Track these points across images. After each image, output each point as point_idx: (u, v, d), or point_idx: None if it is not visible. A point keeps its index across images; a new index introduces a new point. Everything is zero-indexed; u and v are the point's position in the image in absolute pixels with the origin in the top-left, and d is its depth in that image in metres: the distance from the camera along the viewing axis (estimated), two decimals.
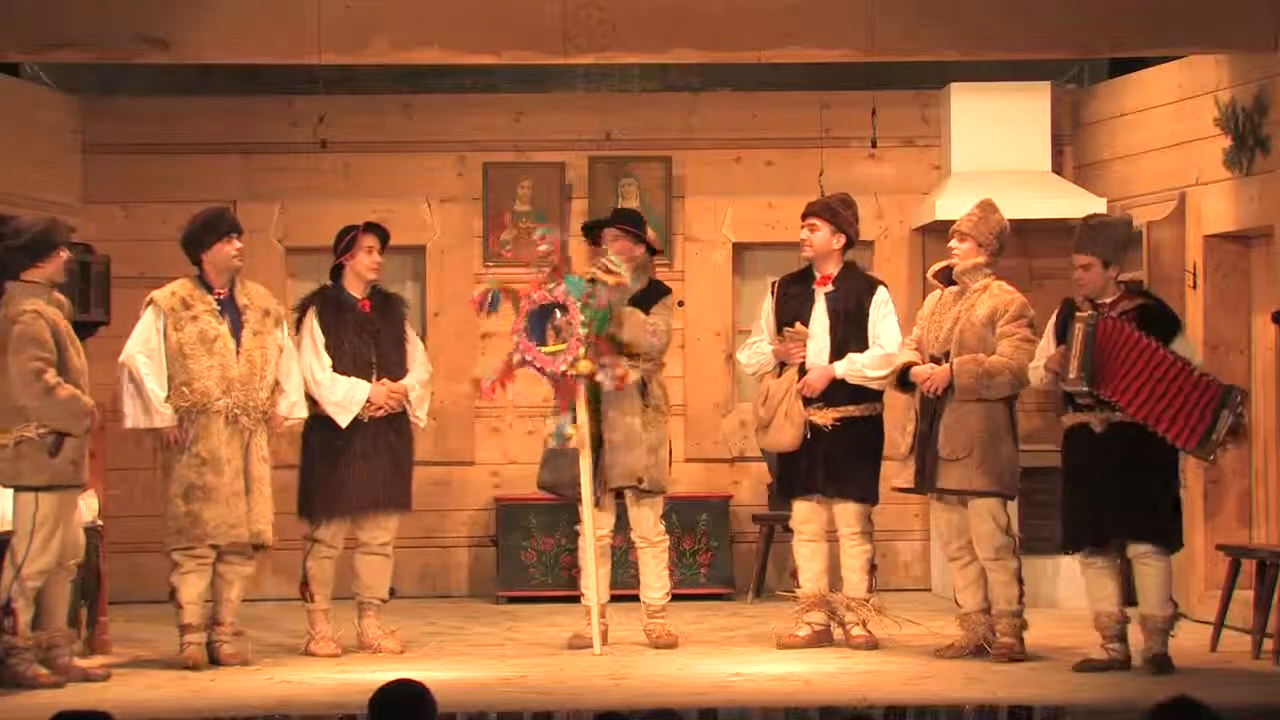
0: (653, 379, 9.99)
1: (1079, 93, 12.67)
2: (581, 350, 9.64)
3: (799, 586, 10.07)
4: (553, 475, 10.04)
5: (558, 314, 9.73)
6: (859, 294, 9.94)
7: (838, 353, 9.86)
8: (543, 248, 9.88)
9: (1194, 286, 10.87)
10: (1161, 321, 9.12)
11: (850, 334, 9.88)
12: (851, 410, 9.85)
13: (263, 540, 9.57)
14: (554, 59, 10.51)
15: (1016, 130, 12.22)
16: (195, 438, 9.42)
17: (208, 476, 9.39)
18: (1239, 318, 10.87)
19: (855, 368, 9.83)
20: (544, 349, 9.72)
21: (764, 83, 12.58)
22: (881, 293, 9.97)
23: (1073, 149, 12.60)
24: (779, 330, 9.99)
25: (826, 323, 9.91)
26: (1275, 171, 10.26)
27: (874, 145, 12.43)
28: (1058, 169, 12.40)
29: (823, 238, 9.96)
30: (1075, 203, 12.01)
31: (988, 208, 9.67)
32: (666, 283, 10.31)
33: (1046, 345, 9.29)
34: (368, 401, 9.80)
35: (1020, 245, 12.50)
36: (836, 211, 10.01)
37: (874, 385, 9.87)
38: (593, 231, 10.19)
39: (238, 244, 9.60)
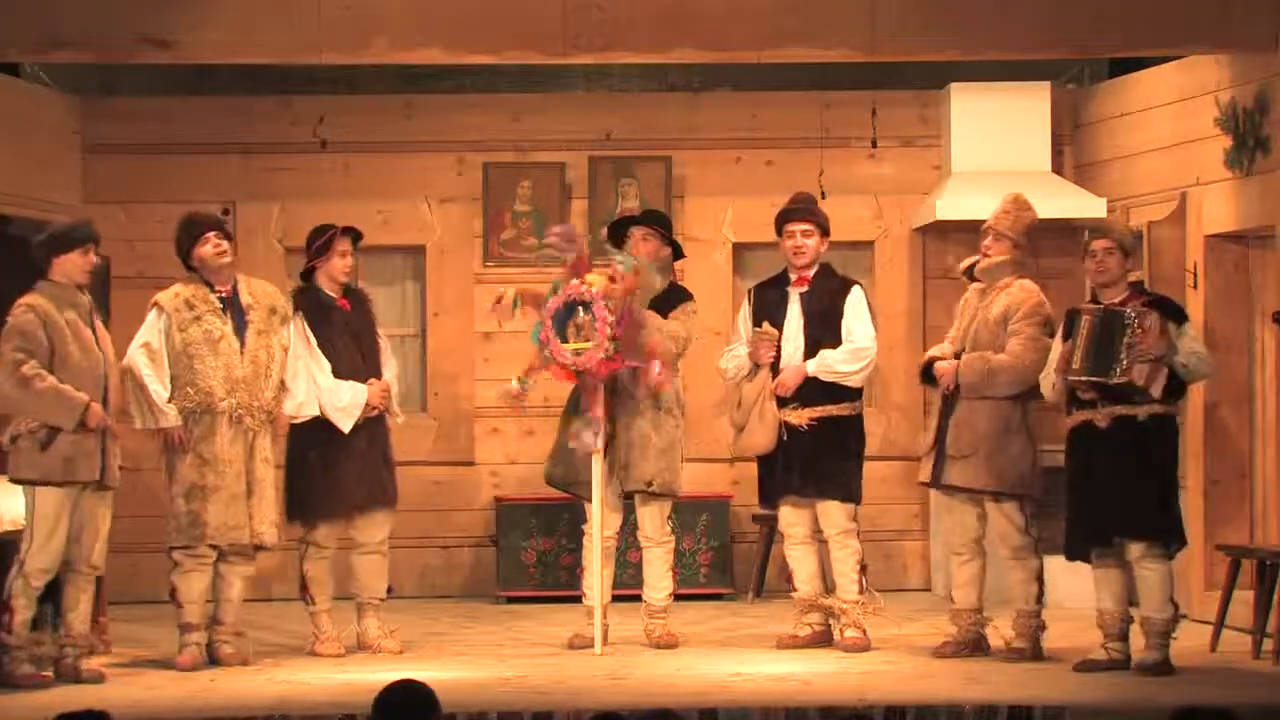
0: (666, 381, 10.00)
1: (1079, 93, 12.67)
2: (610, 346, 9.62)
3: (795, 590, 10.07)
4: (565, 472, 10.03)
5: (580, 311, 9.70)
6: (833, 294, 9.94)
7: (811, 352, 9.85)
8: (550, 240, 9.86)
9: (1194, 286, 10.87)
10: (1165, 311, 9.13)
11: (824, 334, 9.86)
12: (829, 409, 9.82)
13: (264, 541, 9.56)
14: (554, 59, 10.50)
15: (1016, 130, 12.22)
16: (199, 438, 9.43)
17: (209, 477, 9.40)
18: (1239, 318, 10.87)
19: (826, 364, 9.81)
20: (568, 346, 9.70)
21: (764, 83, 12.58)
22: (856, 291, 9.97)
23: (1073, 149, 12.59)
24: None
25: (801, 323, 9.91)
26: (1276, 171, 10.26)
27: (874, 145, 12.46)
28: (1058, 169, 12.40)
29: (815, 244, 9.97)
30: (1075, 203, 12.02)
31: (1021, 204, 9.68)
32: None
33: (1054, 356, 9.29)
34: (366, 404, 9.81)
35: None
36: (821, 215, 10.03)
37: (847, 381, 9.84)
38: (618, 231, 10.16)
39: (215, 241, 9.57)
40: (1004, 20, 10.19)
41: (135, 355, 9.45)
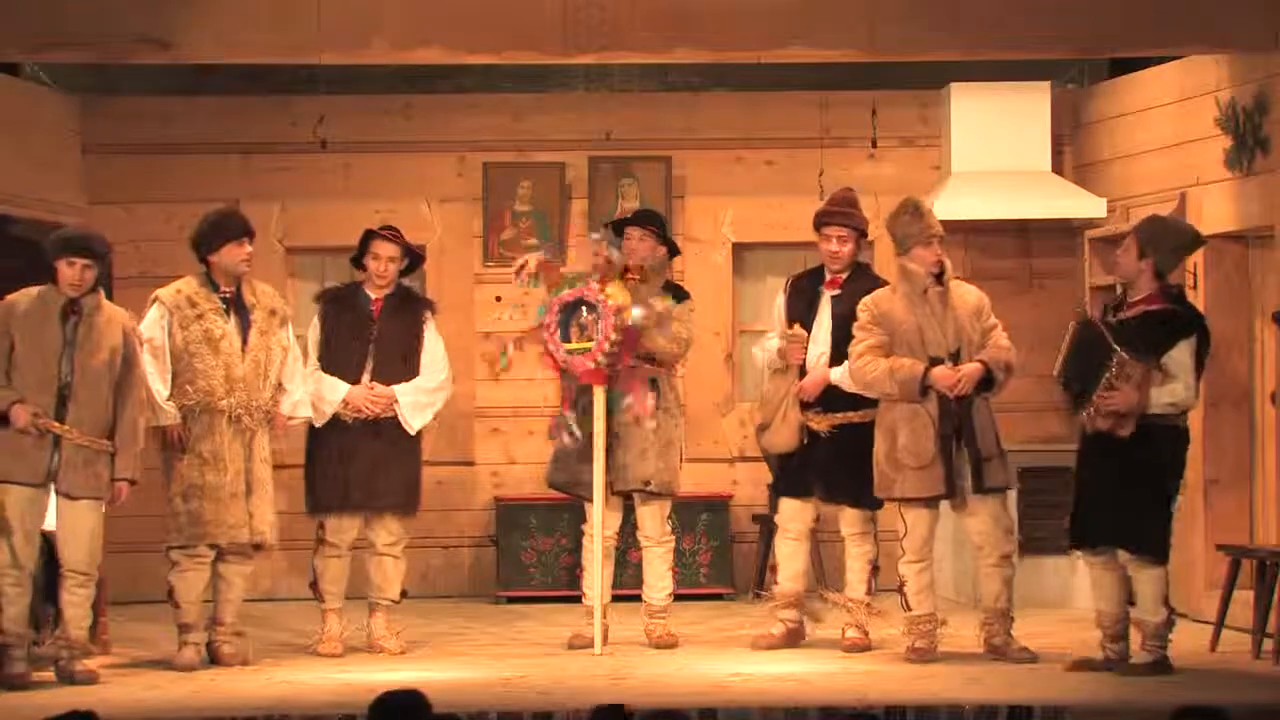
0: (665, 381, 10.00)
1: (1079, 93, 12.67)
2: (608, 346, 9.61)
3: (776, 583, 10.06)
4: (566, 475, 10.04)
5: (584, 311, 9.70)
6: (863, 298, 9.89)
7: (836, 357, 9.79)
8: (533, 260, 9.84)
9: (1194, 286, 10.86)
10: (1161, 328, 9.01)
11: (850, 340, 9.79)
12: (851, 417, 9.75)
13: (263, 541, 9.55)
14: (554, 59, 10.51)
15: (1016, 130, 12.21)
16: (198, 437, 9.42)
17: (209, 476, 9.39)
18: (1239, 318, 10.87)
19: (849, 377, 9.78)
20: (568, 346, 9.70)
21: (764, 83, 12.58)
22: None
23: (1073, 149, 12.59)
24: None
25: (829, 326, 9.85)
26: (1275, 171, 10.26)
27: (874, 145, 12.45)
28: (1058, 169, 12.39)
29: (850, 249, 9.87)
30: (1075, 203, 12.02)
31: (922, 204, 9.64)
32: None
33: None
34: (344, 403, 9.78)
35: (1020, 245, 12.53)
36: (859, 218, 9.91)
37: (869, 393, 9.73)
38: (614, 232, 10.15)
39: (249, 248, 9.58)
40: (1004, 20, 10.19)
41: None
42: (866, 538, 9.87)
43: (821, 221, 9.92)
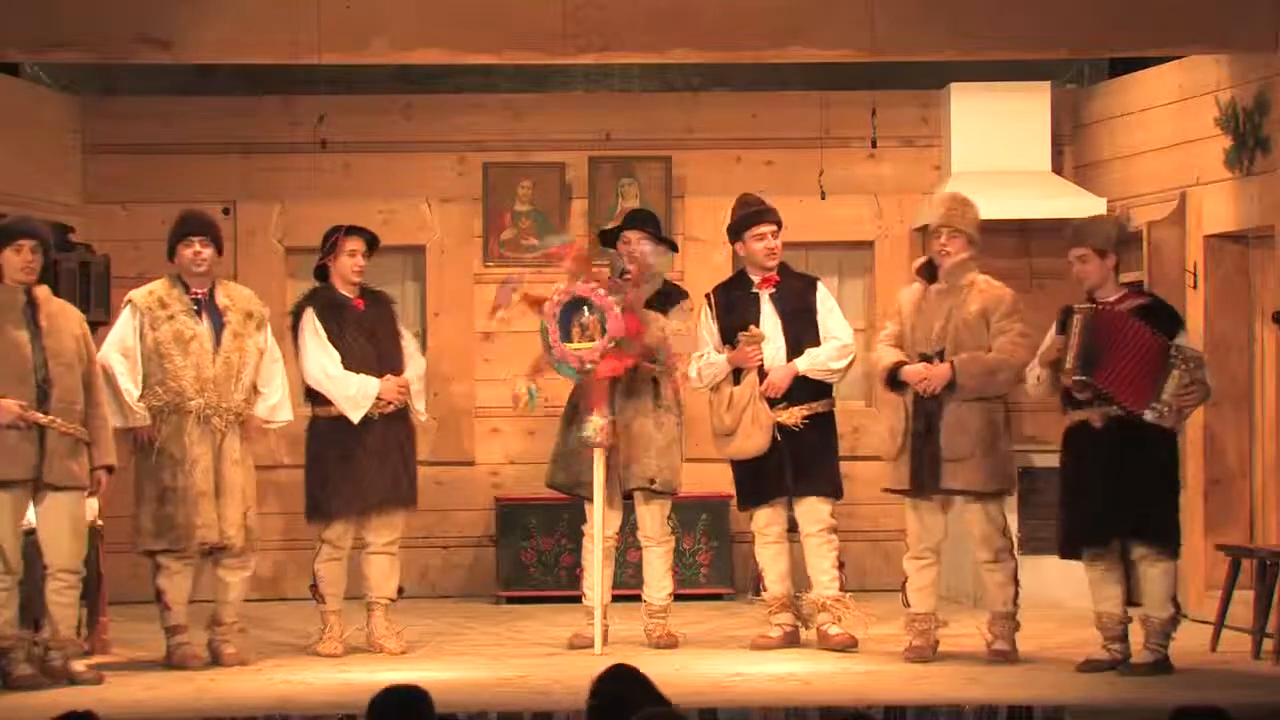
0: (664, 380, 10.02)
1: (1079, 93, 12.67)
2: (612, 345, 9.63)
3: (765, 589, 10.07)
4: (568, 475, 10.06)
5: (585, 311, 9.72)
6: (802, 292, 10.02)
7: (793, 351, 9.89)
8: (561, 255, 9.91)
9: (1194, 286, 10.87)
10: (1163, 318, 9.10)
11: (802, 332, 9.91)
12: (816, 407, 9.88)
13: (230, 543, 9.47)
14: (554, 59, 10.52)
15: (1016, 130, 12.21)
16: (167, 438, 9.38)
17: (178, 478, 9.35)
18: (1239, 318, 10.87)
19: (818, 362, 9.86)
20: (571, 346, 9.72)
21: (764, 83, 12.58)
22: (822, 289, 10.10)
23: (1073, 149, 12.59)
24: (724, 338, 9.99)
25: (778, 323, 9.94)
26: (1275, 171, 10.26)
27: (874, 145, 12.44)
28: (1058, 169, 12.40)
29: (780, 244, 10.03)
30: (1075, 203, 12.01)
31: (965, 200, 9.68)
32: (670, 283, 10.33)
33: (1047, 351, 9.24)
34: (378, 397, 9.79)
35: (1020, 245, 12.52)
36: (778, 215, 10.06)
37: (836, 379, 9.94)
38: (609, 237, 10.17)
39: (198, 248, 9.53)
40: (1004, 20, 10.19)
41: (108, 354, 9.38)
42: (830, 533, 9.90)
43: (750, 223, 10.00)
